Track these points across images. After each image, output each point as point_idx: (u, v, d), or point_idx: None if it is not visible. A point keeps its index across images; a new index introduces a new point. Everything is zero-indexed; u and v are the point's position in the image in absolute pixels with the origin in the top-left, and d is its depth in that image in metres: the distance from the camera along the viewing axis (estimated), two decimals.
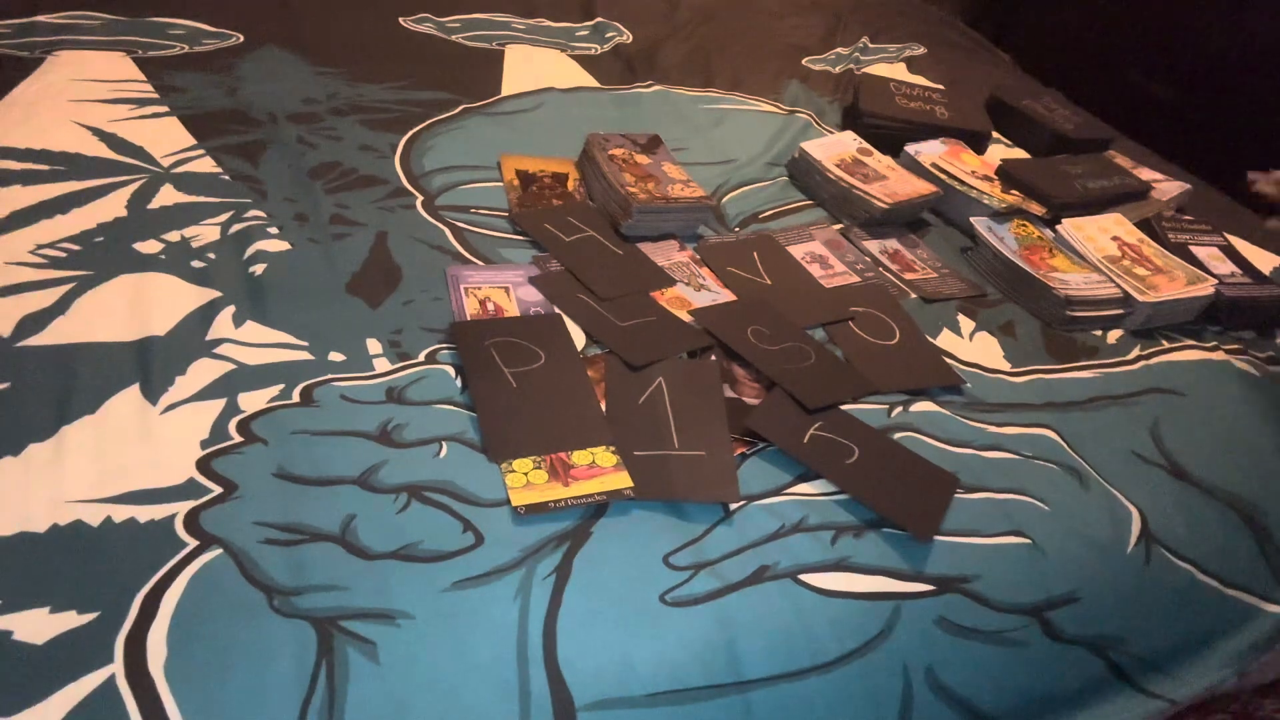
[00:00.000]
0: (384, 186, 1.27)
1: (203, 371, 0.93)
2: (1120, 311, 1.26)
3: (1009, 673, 0.88)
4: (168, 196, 1.17)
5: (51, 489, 0.79)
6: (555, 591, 0.79)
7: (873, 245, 1.35)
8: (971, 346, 1.19)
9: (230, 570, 0.76)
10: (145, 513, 0.79)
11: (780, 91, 1.74)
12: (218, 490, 0.82)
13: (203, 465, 0.84)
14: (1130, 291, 1.26)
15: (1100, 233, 1.37)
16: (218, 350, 0.96)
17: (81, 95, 1.33)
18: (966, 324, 1.23)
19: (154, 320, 0.98)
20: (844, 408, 1.03)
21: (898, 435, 1.01)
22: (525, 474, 0.88)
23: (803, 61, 1.87)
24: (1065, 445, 1.05)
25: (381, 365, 0.98)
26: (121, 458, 0.83)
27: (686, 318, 1.13)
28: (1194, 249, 1.40)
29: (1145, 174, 1.63)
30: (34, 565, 0.74)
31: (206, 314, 1.00)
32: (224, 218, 1.15)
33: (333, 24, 1.67)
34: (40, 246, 1.05)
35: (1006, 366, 1.16)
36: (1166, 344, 1.25)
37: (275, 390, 0.93)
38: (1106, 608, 0.93)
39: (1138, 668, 0.94)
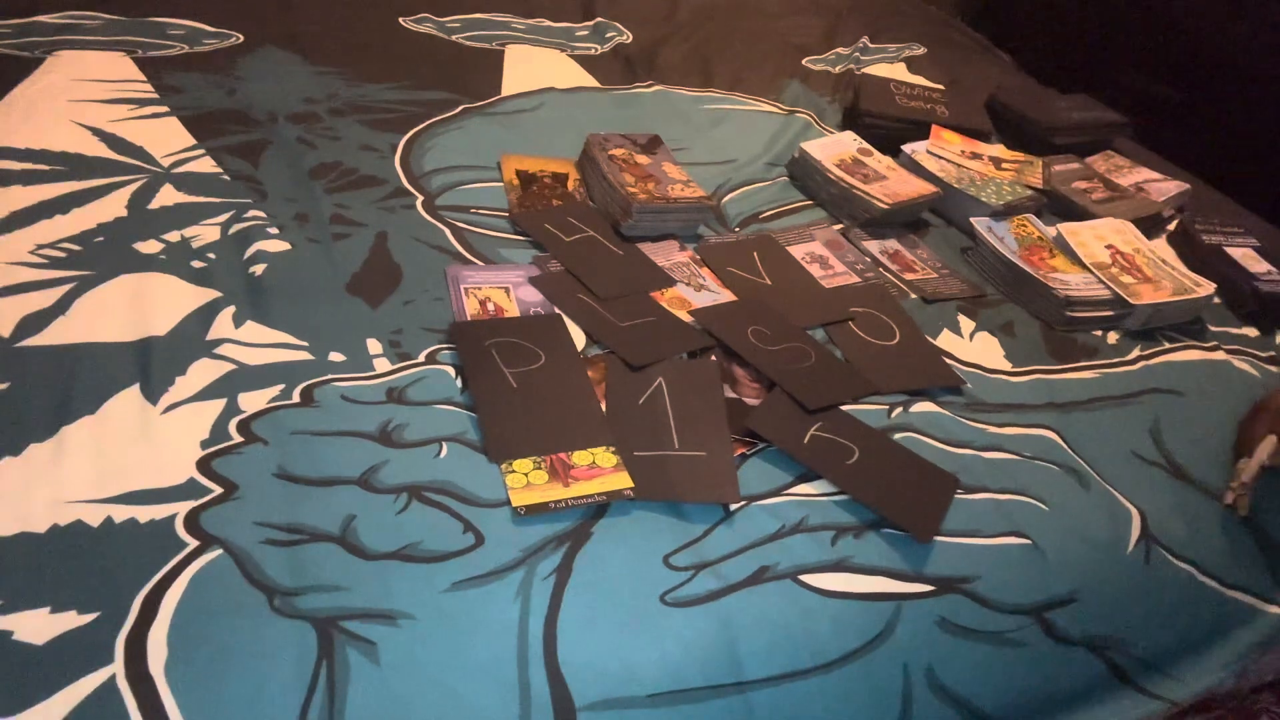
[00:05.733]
0: (384, 186, 1.27)
1: (203, 372, 0.93)
2: (1120, 312, 1.26)
3: (1009, 673, 0.88)
4: (168, 196, 1.17)
5: (51, 489, 0.79)
6: (555, 592, 0.79)
7: (873, 245, 1.35)
8: (971, 347, 1.19)
9: (231, 570, 0.76)
10: (145, 513, 0.79)
11: (780, 91, 1.74)
12: (218, 490, 0.82)
13: (203, 465, 0.84)
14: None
15: (1095, 240, 1.37)
16: (218, 350, 0.96)
17: (81, 95, 1.33)
18: (966, 324, 1.23)
19: (154, 320, 0.98)
20: (844, 408, 1.03)
21: (898, 436, 1.01)
22: (525, 474, 0.88)
23: (803, 61, 1.87)
24: (1065, 445, 1.05)
25: (382, 365, 0.98)
26: (121, 458, 0.83)
27: (686, 318, 1.13)
28: (1229, 249, 1.40)
29: (1144, 173, 1.63)
30: (34, 565, 0.74)
31: (206, 314, 1.00)
32: (224, 218, 1.15)
33: (333, 24, 1.67)
34: (40, 246, 1.05)
35: (1007, 366, 1.16)
36: (1167, 344, 1.25)
37: (275, 390, 0.93)
38: (1106, 608, 0.93)
39: (1137, 668, 0.94)
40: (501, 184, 1.32)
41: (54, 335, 0.94)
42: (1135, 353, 1.22)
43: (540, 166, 1.36)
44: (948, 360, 1.15)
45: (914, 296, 1.26)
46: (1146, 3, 2.27)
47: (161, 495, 0.81)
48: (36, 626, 0.70)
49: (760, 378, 1.06)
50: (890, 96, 1.66)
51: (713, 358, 1.07)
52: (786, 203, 1.43)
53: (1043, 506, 0.97)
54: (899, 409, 1.05)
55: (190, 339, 0.97)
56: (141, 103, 1.34)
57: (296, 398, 0.92)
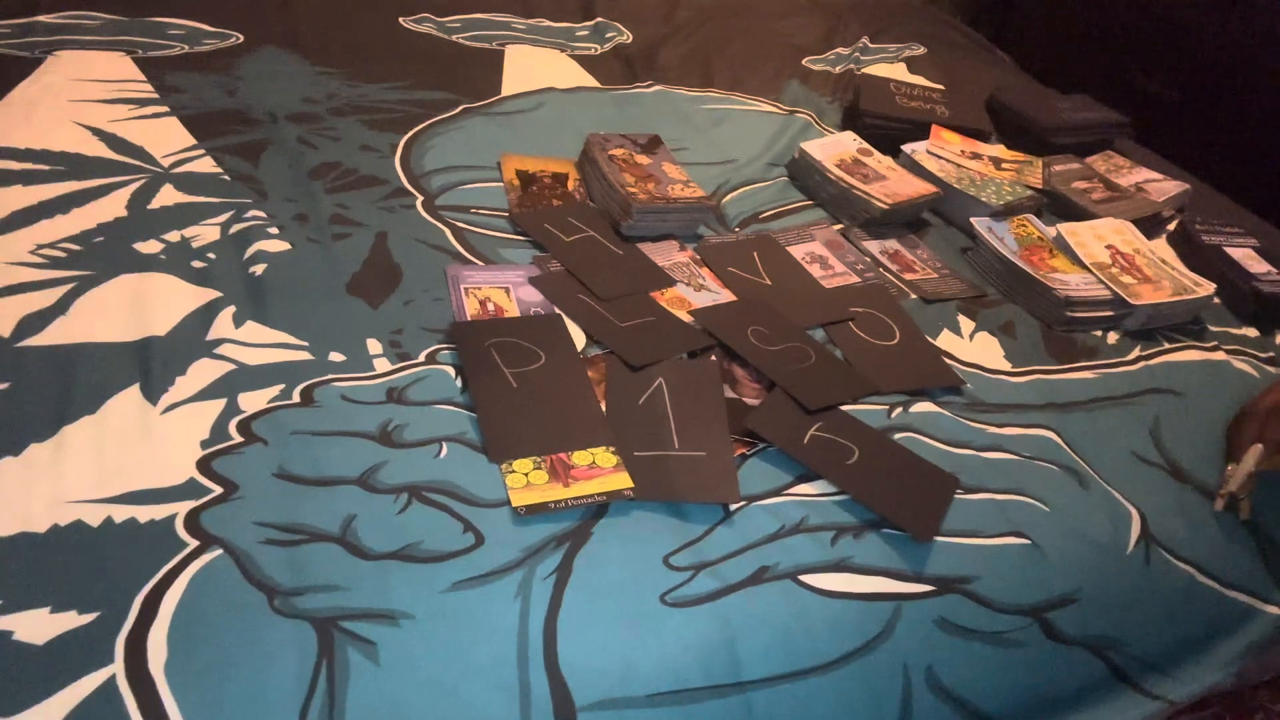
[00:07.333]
0: (384, 186, 1.27)
1: (203, 371, 0.93)
2: (1120, 312, 1.26)
3: (1009, 673, 0.88)
4: (168, 196, 1.17)
5: (52, 489, 0.79)
6: (555, 592, 0.79)
7: (873, 245, 1.35)
8: (971, 347, 1.19)
9: (231, 570, 0.76)
10: (145, 513, 0.79)
11: (780, 91, 1.74)
12: (218, 490, 0.82)
13: (203, 465, 0.84)
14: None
15: (1095, 240, 1.37)
16: (218, 350, 0.96)
17: (81, 95, 1.33)
18: (966, 324, 1.23)
19: (154, 320, 0.98)
20: (844, 408, 1.03)
21: (898, 436, 1.01)
22: (525, 474, 0.88)
23: (803, 61, 1.87)
24: (1065, 446, 1.05)
25: (382, 365, 0.98)
26: (121, 458, 0.83)
27: (686, 318, 1.13)
28: (1229, 250, 1.40)
29: (1144, 173, 1.63)
30: (34, 565, 0.74)
31: (207, 314, 1.00)
32: (224, 218, 1.15)
33: (333, 24, 1.67)
34: (40, 246, 1.05)
35: (1007, 367, 1.16)
36: (1167, 344, 1.26)
37: (275, 390, 0.93)
38: (1106, 608, 0.93)
39: (1137, 668, 0.94)
40: (501, 184, 1.32)
41: (54, 335, 0.94)
42: (1135, 353, 1.22)
43: (540, 166, 1.36)
44: (948, 360, 1.15)
45: (914, 296, 1.26)
46: (1146, 3, 2.28)
47: (161, 495, 0.81)
48: (36, 626, 0.70)
49: (760, 378, 1.06)
50: (890, 96, 1.66)
51: (713, 358, 1.07)
52: (786, 203, 1.43)
53: (1043, 507, 0.97)
54: (899, 409, 1.05)
55: (190, 339, 0.97)
56: (141, 103, 1.34)
57: (296, 398, 0.92)
